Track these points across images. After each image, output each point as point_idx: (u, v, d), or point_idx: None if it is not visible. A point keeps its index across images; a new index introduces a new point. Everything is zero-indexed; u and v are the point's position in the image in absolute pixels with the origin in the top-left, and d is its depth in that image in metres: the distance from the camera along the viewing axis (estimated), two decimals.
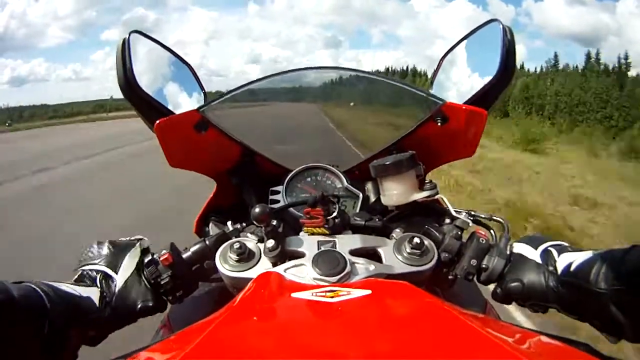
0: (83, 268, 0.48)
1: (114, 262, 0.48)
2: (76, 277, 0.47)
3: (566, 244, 0.47)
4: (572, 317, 0.43)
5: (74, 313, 0.40)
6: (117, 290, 0.46)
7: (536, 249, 0.47)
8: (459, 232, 0.51)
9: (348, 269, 0.42)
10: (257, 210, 0.48)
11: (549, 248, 0.47)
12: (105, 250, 0.49)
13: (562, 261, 0.44)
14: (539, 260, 0.46)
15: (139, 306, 0.46)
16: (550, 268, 0.44)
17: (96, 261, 0.48)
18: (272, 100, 0.80)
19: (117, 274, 0.47)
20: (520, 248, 0.49)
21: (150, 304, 0.47)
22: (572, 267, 0.42)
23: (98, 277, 0.46)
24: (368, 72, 0.73)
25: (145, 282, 0.48)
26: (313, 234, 0.51)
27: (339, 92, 0.85)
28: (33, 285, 0.38)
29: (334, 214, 0.52)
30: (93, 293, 0.44)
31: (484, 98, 0.65)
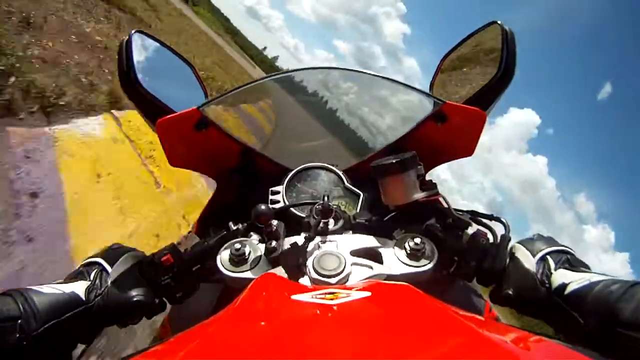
0: (82, 263, 0.47)
1: (113, 257, 0.48)
2: (74, 274, 0.46)
3: (565, 249, 0.46)
4: (559, 333, 0.43)
5: (54, 312, 0.39)
6: (109, 282, 0.45)
7: (534, 256, 0.46)
8: (460, 232, 0.51)
9: (348, 270, 0.42)
10: (257, 210, 0.47)
11: (547, 256, 0.45)
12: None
13: (557, 278, 0.42)
14: (534, 270, 0.45)
15: (133, 299, 0.45)
16: (545, 281, 0.43)
17: (97, 255, 0.48)
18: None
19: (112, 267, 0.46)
20: (519, 252, 0.48)
21: (144, 299, 0.46)
22: (567, 291, 0.40)
23: (94, 270, 0.46)
24: (370, 73, 0.73)
25: (143, 279, 0.47)
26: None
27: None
28: (9, 293, 0.38)
29: (332, 217, 0.52)
30: (79, 287, 0.43)
31: (483, 99, 0.65)
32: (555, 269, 0.43)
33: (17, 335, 0.35)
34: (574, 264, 0.44)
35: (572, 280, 0.41)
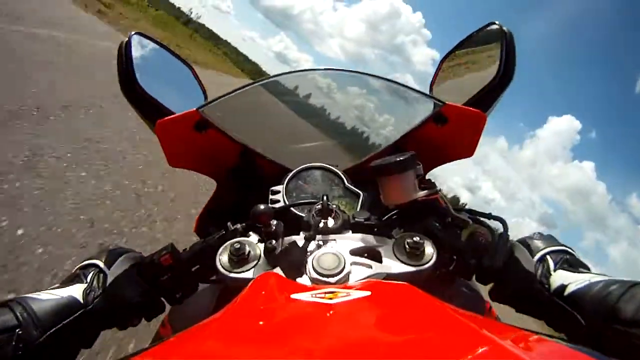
0: (78, 266, 0.47)
1: (110, 258, 0.47)
2: (71, 277, 0.45)
3: (565, 249, 0.46)
4: (558, 333, 0.42)
5: (53, 319, 0.38)
6: (107, 284, 0.44)
7: (533, 256, 0.46)
8: (459, 231, 0.51)
9: (347, 269, 0.42)
10: (257, 210, 0.48)
11: (547, 256, 0.45)
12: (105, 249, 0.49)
13: (557, 279, 0.42)
14: (533, 270, 0.44)
15: (132, 301, 0.45)
16: (544, 281, 0.43)
17: (94, 257, 0.48)
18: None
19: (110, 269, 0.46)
20: (518, 251, 0.47)
21: (143, 300, 0.46)
22: (566, 292, 0.40)
23: (91, 273, 0.45)
24: (371, 74, 0.74)
25: (142, 280, 0.47)
26: None
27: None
28: (6, 303, 0.37)
29: (332, 216, 0.52)
30: (76, 290, 0.43)
31: (483, 100, 0.66)
32: (555, 270, 0.43)
33: (19, 346, 0.35)
34: (573, 264, 0.44)
35: (572, 281, 0.41)
